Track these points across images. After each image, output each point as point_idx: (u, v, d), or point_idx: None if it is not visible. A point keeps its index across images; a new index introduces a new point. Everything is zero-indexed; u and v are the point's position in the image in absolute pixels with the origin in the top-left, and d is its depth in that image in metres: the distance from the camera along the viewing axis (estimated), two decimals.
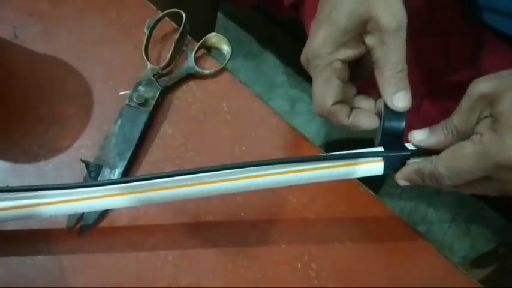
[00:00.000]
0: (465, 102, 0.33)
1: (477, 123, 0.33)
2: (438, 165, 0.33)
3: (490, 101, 0.32)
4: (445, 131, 0.34)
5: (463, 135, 0.34)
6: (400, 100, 0.35)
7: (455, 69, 0.52)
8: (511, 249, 0.69)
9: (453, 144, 0.34)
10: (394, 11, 0.34)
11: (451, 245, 0.99)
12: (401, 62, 0.35)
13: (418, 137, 0.36)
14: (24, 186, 0.40)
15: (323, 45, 0.35)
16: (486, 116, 0.32)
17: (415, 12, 0.52)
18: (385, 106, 0.36)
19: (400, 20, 0.34)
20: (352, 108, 0.38)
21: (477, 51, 0.53)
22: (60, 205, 0.40)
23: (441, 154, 0.34)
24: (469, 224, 1.00)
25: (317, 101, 0.37)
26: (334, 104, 0.36)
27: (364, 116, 0.37)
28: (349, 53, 0.36)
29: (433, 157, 0.34)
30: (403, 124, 0.37)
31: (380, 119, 0.38)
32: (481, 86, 0.32)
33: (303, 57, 0.38)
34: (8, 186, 0.41)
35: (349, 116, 0.37)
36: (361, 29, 0.35)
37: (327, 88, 0.36)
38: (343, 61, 0.36)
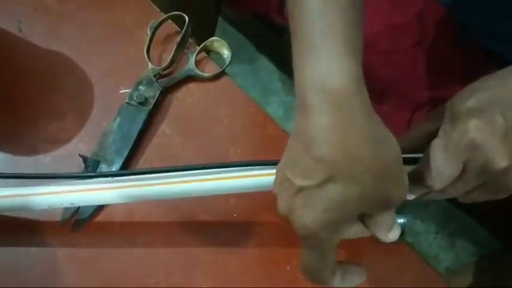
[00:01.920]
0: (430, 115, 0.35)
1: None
2: (419, 169, 0.34)
3: (449, 113, 0.33)
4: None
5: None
6: (393, 234, 0.32)
7: (446, 84, 0.54)
8: (493, 261, 0.71)
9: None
10: (403, 184, 0.30)
11: (436, 256, 1.01)
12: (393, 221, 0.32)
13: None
14: (21, 173, 0.41)
15: (323, 229, 0.30)
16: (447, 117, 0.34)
17: (408, 29, 0.54)
18: None
19: (407, 189, 0.31)
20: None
21: (467, 67, 0.55)
22: (55, 196, 0.41)
23: (420, 161, 0.35)
24: (454, 236, 1.02)
25: (311, 273, 0.32)
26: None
27: (354, 276, 0.34)
28: (348, 231, 0.32)
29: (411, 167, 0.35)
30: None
31: None
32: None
33: (286, 216, 0.31)
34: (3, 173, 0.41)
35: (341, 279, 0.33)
36: (366, 209, 0.31)
37: (323, 263, 0.32)
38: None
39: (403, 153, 0.31)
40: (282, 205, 0.31)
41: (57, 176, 0.41)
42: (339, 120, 0.29)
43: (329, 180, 0.29)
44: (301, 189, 0.30)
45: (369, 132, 0.29)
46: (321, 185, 0.29)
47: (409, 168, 0.37)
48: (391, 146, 0.30)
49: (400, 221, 0.37)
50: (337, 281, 0.33)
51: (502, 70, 0.35)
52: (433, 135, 0.35)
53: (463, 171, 0.33)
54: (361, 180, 0.28)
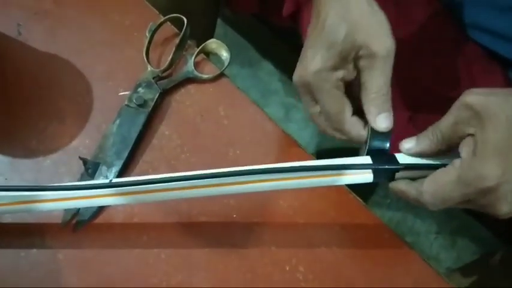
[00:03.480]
0: (453, 109, 0.35)
1: (462, 137, 0.35)
2: (423, 193, 0.35)
3: (476, 115, 0.33)
4: (431, 137, 0.36)
5: (448, 142, 0.35)
6: (383, 121, 0.38)
7: (447, 84, 0.54)
8: (494, 260, 0.71)
9: (440, 151, 0.36)
10: (384, 39, 0.37)
11: (437, 256, 1.01)
12: (386, 86, 0.38)
13: (407, 145, 0.38)
14: (20, 185, 0.41)
15: (324, 68, 0.38)
16: (470, 134, 0.34)
17: (408, 30, 0.54)
18: (371, 126, 0.39)
19: (389, 48, 0.37)
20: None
21: (469, 68, 0.55)
22: (56, 203, 0.41)
23: (425, 182, 0.35)
24: (455, 236, 1.02)
25: (335, 117, 0.39)
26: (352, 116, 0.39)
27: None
28: (346, 74, 0.39)
29: (418, 184, 0.36)
30: (387, 145, 0.39)
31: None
32: (470, 97, 0.34)
33: (299, 80, 0.40)
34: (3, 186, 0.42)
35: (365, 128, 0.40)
36: (355, 53, 0.38)
37: (341, 103, 0.39)
38: (342, 81, 0.39)
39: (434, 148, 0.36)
40: (297, 71, 0.40)
41: (56, 188, 0.41)
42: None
43: (329, 33, 0.38)
44: (311, 47, 0.39)
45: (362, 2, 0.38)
46: (320, 40, 0.38)
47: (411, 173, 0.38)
48: (379, 15, 0.38)
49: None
50: (363, 129, 0.40)
51: None
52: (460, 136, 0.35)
53: (464, 201, 0.34)
54: (348, 28, 0.37)
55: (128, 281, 0.43)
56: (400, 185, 0.38)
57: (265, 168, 0.39)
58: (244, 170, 0.39)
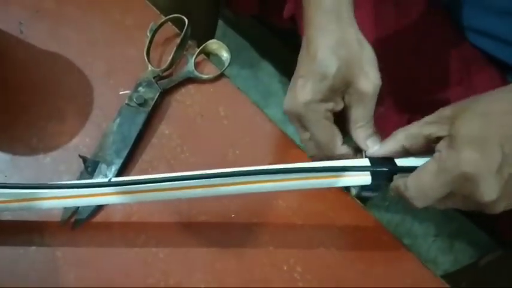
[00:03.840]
0: (424, 118, 0.37)
1: (436, 141, 0.35)
2: (408, 187, 0.36)
3: (448, 121, 0.34)
4: (395, 137, 0.39)
5: (419, 144, 0.37)
6: (373, 144, 0.41)
7: (445, 86, 0.54)
8: (491, 263, 0.71)
9: (410, 152, 0.38)
10: (372, 77, 0.39)
11: (435, 259, 1.01)
12: (371, 117, 0.41)
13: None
14: (20, 184, 0.41)
15: (314, 99, 0.39)
16: (445, 136, 0.35)
17: (407, 31, 0.55)
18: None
19: (376, 85, 0.39)
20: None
21: (466, 69, 0.55)
22: (56, 201, 0.41)
23: (408, 177, 0.36)
24: (453, 239, 1.02)
25: (326, 146, 0.41)
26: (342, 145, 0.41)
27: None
28: (334, 106, 0.41)
29: (405, 179, 0.36)
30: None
31: None
32: (441, 111, 0.36)
33: (289, 109, 0.41)
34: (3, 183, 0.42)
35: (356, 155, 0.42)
36: (344, 89, 0.40)
37: (331, 133, 0.41)
38: (331, 112, 0.41)
39: (397, 150, 0.39)
40: (287, 100, 0.41)
41: (55, 186, 0.41)
42: (329, 29, 0.39)
43: (318, 66, 0.39)
44: (301, 77, 0.40)
45: (351, 35, 0.39)
46: (313, 70, 0.39)
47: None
48: (365, 46, 0.40)
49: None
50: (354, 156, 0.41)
51: (502, 90, 0.35)
52: (429, 139, 0.36)
53: (449, 194, 0.34)
54: (338, 65, 0.38)
55: (126, 280, 0.43)
56: (395, 180, 0.38)
57: (264, 169, 0.39)
58: (243, 171, 0.39)
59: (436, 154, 0.35)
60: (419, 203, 0.35)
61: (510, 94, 0.34)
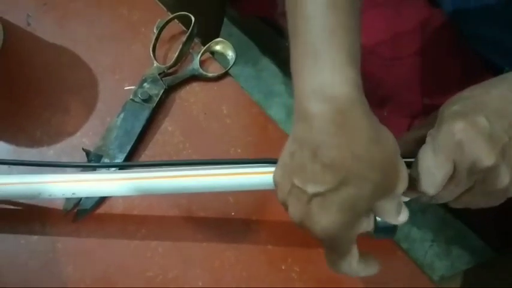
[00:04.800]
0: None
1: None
2: (413, 176, 0.35)
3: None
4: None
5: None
6: (403, 216, 0.34)
7: (446, 91, 0.55)
8: (486, 268, 0.72)
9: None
10: (404, 175, 0.33)
11: (431, 264, 1.01)
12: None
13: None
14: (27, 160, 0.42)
15: (341, 229, 0.31)
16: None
17: (410, 37, 0.55)
18: None
19: (407, 180, 0.33)
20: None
21: (467, 75, 0.55)
22: (61, 185, 0.42)
23: (411, 167, 0.35)
24: (450, 244, 1.03)
25: (339, 269, 0.35)
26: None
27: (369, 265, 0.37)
28: (363, 225, 0.33)
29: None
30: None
31: None
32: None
33: (300, 221, 0.33)
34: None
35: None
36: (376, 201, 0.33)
37: (347, 258, 0.34)
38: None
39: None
40: (296, 213, 0.33)
41: (59, 164, 0.42)
42: (343, 126, 0.30)
43: (342, 183, 0.30)
44: (315, 195, 0.31)
45: (372, 134, 0.31)
46: (334, 188, 0.30)
47: None
48: (392, 143, 0.32)
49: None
50: (360, 270, 0.36)
51: (488, 81, 0.36)
52: (423, 141, 0.36)
53: (453, 173, 0.34)
54: (371, 179, 0.30)
55: (125, 273, 0.44)
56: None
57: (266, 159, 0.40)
58: (245, 160, 0.40)
59: (428, 137, 0.35)
60: (430, 188, 0.34)
61: (489, 81, 0.36)
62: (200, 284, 0.44)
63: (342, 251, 0.33)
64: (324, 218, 0.31)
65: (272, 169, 0.36)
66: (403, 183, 0.32)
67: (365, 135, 0.30)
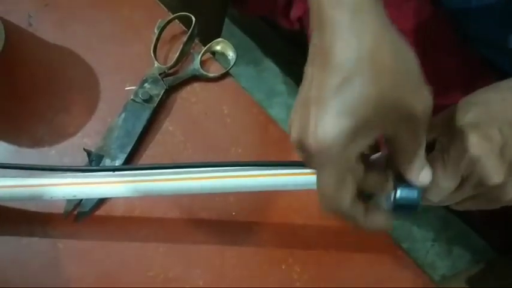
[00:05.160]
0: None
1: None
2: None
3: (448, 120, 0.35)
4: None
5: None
6: (426, 176, 0.32)
7: (447, 92, 0.55)
8: (487, 268, 0.72)
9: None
10: (422, 95, 0.29)
11: (433, 264, 1.01)
12: (423, 146, 0.31)
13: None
14: (27, 164, 0.42)
15: (337, 138, 0.27)
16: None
17: (411, 37, 0.55)
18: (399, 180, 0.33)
19: (430, 105, 0.29)
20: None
21: (469, 76, 0.55)
22: (62, 187, 0.42)
23: (425, 193, 0.34)
24: (451, 244, 1.03)
25: (329, 201, 0.30)
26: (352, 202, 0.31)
27: (380, 217, 0.33)
28: (366, 143, 0.29)
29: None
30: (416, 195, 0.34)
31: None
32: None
33: (297, 140, 0.29)
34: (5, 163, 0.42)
35: (364, 215, 0.32)
36: (387, 118, 0.28)
37: (342, 190, 0.30)
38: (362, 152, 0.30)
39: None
40: (294, 129, 0.29)
41: (58, 168, 0.42)
42: (357, 28, 0.27)
43: (345, 81, 0.27)
44: (315, 100, 0.28)
45: (389, 38, 0.28)
46: (335, 90, 0.27)
47: None
48: (410, 55, 0.29)
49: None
50: (359, 215, 0.32)
51: (499, 83, 0.36)
52: (429, 145, 0.36)
53: (460, 184, 0.34)
54: (379, 81, 0.27)
55: (126, 273, 0.44)
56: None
57: (265, 162, 0.40)
58: (246, 162, 0.40)
59: (437, 145, 0.35)
60: (435, 198, 0.34)
61: (504, 84, 0.35)
62: (201, 284, 0.44)
63: (337, 174, 0.29)
64: (321, 125, 0.27)
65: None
66: (422, 106, 0.28)
67: (380, 38, 0.27)
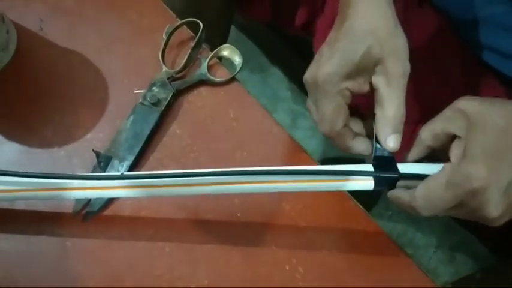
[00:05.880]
0: (445, 111, 0.37)
1: (449, 135, 0.37)
2: (417, 198, 0.36)
3: (466, 119, 0.35)
4: (422, 137, 0.38)
5: (437, 142, 0.37)
6: (392, 141, 0.39)
7: (451, 98, 0.55)
8: (490, 275, 0.72)
9: (429, 153, 0.38)
10: (403, 62, 0.38)
11: (435, 270, 1.01)
12: (403, 106, 0.38)
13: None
14: (38, 173, 0.43)
15: (335, 73, 0.38)
16: (457, 136, 0.36)
17: (416, 42, 0.56)
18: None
19: (406, 70, 0.38)
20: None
21: (472, 83, 0.56)
22: (73, 191, 0.43)
23: (418, 187, 0.37)
24: (454, 251, 1.03)
25: (326, 122, 0.39)
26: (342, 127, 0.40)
27: (362, 142, 0.41)
28: (356, 86, 0.39)
29: (412, 190, 0.37)
30: (392, 155, 0.40)
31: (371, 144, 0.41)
32: (462, 102, 0.36)
33: (309, 78, 0.40)
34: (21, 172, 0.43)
35: (351, 139, 0.40)
36: (371, 68, 0.38)
37: (337, 112, 0.39)
38: (350, 91, 0.39)
39: (425, 152, 0.39)
40: (309, 70, 0.40)
41: (61, 176, 0.42)
42: (368, 11, 0.38)
43: (348, 42, 0.38)
44: (327, 52, 0.39)
45: (385, 20, 0.38)
46: (342, 46, 0.38)
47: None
48: (401, 35, 0.38)
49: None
50: (347, 137, 0.40)
51: None
52: (449, 137, 0.37)
53: (456, 205, 0.35)
54: (371, 46, 0.37)
55: (132, 272, 0.45)
56: (396, 191, 0.39)
57: (271, 170, 0.40)
58: (251, 170, 0.40)
59: (448, 165, 0.35)
60: (426, 212, 0.36)
61: None
62: (206, 283, 0.45)
63: (334, 101, 0.38)
64: (327, 65, 0.38)
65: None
66: (397, 62, 0.37)
67: (373, 14, 0.38)
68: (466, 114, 0.35)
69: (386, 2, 0.39)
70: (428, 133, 0.38)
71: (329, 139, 0.41)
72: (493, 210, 0.33)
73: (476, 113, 0.35)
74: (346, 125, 0.40)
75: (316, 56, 0.40)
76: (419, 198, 0.36)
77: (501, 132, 0.34)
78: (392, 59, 0.37)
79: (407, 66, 0.38)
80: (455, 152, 0.36)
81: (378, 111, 0.39)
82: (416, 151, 0.39)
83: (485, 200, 0.33)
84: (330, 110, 0.39)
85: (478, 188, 0.33)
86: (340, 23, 0.39)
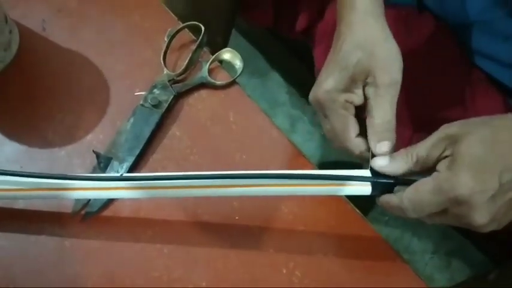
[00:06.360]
0: (432, 137, 0.37)
1: (438, 159, 0.37)
2: (404, 199, 0.37)
3: (453, 140, 0.36)
4: (405, 158, 0.38)
5: (423, 165, 0.38)
6: (382, 148, 0.40)
7: (448, 106, 0.56)
8: (484, 281, 0.73)
9: (413, 172, 0.38)
10: (392, 72, 0.39)
11: (431, 276, 1.01)
12: (390, 114, 0.40)
13: (380, 162, 0.40)
14: (38, 173, 0.43)
15: (333, 89, 0.40)
16: (447, 156, 0.36)
17: (414, 50, 0.56)
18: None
19: (393, 79, 0.39)
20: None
21: (469, 91, 0.57)
22: (75, 192, 0.43)
23: (406, 190, 0.37)
24: (450, 257, 1.03)
25: (339, 135, 0.41)
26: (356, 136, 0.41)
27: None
28: (355, 98, 0.41)
29: (400, 193, 0.38)
30: None
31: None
32: (448, 128, 0.37)
33: (314, 98, 0.42)
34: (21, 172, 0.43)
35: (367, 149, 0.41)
36: (364, 79, 0.40)
37: (345, 123, 0.41)
38: (351, 103, 0.41)
39: (404, 172, 0.39)
40: (312, 91, 0.42)
41: (61, 177, 0.43)
42: (362, 27, 0.41)
43: (342, 57, 0.40)
44: (324, 69, 0.42)
45: (374, 31, 0.41)
46: (336, 61, 0.41)
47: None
48: (391, 43, 0.40)
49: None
50: (366, 151, 0.41)
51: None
52: (434, 161, 0.37)
53: (442, 211, 0.36)
54: (362, 59, 0.39)
55: (130, 273, 0.45)
56: (386, 196, 0.40)
57: (270, 174, 0.41)
58: (250, 174, 0.41)
59: (435, 174, 0.36)
60: (413, 214, 0.37)
61: None
62: (204, 284, 0.45)
63: (341, 115, 0.41)
64: (326, 81, 0.41)
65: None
66: (385, 74, 0.39)
67: (363, 28, 0.40)
68: (452, 136, 0.36)
69: (377, 14, 0.41)
70: (413, 156, 0.38)
71: (345, 150, 0.42)
72: (479, 217, 0.34)
73: (462, 129, 0.36)
74: (360, 135, 0.42)
75: (317, 78, 0.42)
76: (406, 200, 0.37)
77: (486, 143, 0.34)
78: (380, 70, 0.39)
79: (396, 76, 0.39)
80: (443, 163, 0.36)
81: (367, 120, 0.41)
82: (395, 167, 0.39)
83: (470, 208, 0.34)
84: (339, 124, 0.41)
85: (463, 195, 0.34)
86: (336, 41, 0.42)
